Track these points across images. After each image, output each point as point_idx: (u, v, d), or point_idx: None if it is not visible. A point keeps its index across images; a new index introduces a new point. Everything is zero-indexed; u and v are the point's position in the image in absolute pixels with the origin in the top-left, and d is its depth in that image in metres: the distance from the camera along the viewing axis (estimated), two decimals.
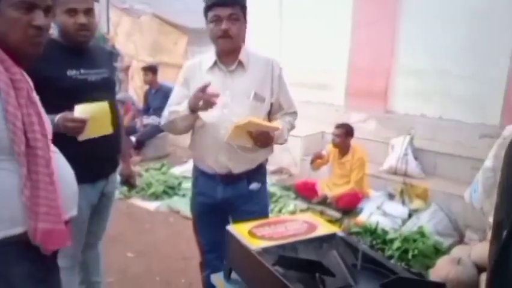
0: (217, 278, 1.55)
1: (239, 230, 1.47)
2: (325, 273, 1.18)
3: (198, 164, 2.15)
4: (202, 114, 1.96)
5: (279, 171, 5.15)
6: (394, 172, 4.41)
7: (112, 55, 2.19)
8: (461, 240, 3.38)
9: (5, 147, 1.14)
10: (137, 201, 4.40)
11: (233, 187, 2.06)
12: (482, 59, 4.45)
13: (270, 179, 4.94)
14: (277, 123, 2.02)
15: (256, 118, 1.90)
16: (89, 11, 1.82)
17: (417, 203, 3.96)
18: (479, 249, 2.72)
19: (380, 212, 3.84)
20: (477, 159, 4.06)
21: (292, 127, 2.19)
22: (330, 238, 1.46)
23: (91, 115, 1.70)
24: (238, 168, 2.04)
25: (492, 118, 4.45)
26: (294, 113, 2.19)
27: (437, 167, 4.45)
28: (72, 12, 1.77)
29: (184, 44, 7.67)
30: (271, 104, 2.08)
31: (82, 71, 1.86)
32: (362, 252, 1.31)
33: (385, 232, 3.30)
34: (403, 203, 4.02)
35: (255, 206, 2.08)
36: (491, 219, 3.17)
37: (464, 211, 3.66)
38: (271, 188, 4.48)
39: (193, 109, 1.89)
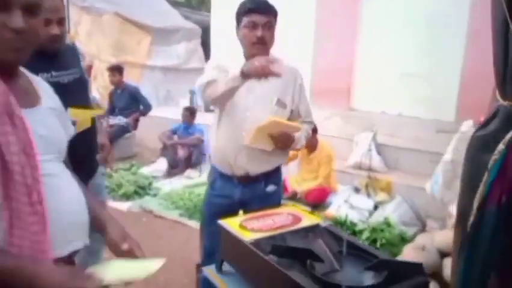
0: (209, 270, 1.64)
1: (230, 224, 1.56)
2: (315, 259, 1.30)
3: (216, 166, 2.21)
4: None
5: None
6: (359, 167, 4.62)
7: (79, 53, 2.15)
8: (423, 228, 3.61)
9: None
10: (109, 202, 4.38)
11: (250, 188, 2.13)
12: (438, 59, 4.74)
13: None
14: (298, 123, 2.10)
15: (278, 118, 1.98)
16: (62, 21, 1.83)
17: (381, 196, 4.18)
18: (441, 237, 2.93)
19: (347, 205, 4.02)
20: (435, 153, 4.34)
21: (309, 135, 2.25)
22: (315, 228, 1.58)
23: (80, 118, 1.73)
24: (256, 170, 2.11)
25: (447, 114, 4.75)
26: (311, 122, 2.27)
27: (399, 161, 4.70)
28: (46, 22, 1.73)
29: (147, 43, 7.63)
30: (291, 111, 2.15)
31: (54, 73, 1.84)
32: (346, 240, 1.44)
33: (354, 224, 3.48)
34: (368, 196, 4.23)
35: (269, 207, 2.16)
36: (451, 209, 3.42)
37: (425, 202, 3.90)
38: None
39: (246, 72, 1.83)
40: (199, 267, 2.38)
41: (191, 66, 7.86)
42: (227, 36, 6.52)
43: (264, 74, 1.80)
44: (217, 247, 2.11)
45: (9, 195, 0.97)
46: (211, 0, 6.96)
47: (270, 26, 2.00)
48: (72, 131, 1.34)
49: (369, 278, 1.26)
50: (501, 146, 0.97)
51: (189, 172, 5.39)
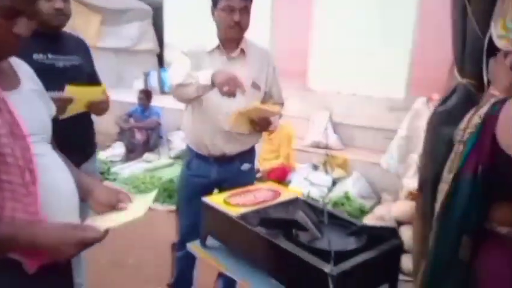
0: (193, 246, 1.69)
1: (215, 200, 1.62)
2: (300, 229, 1.39)
3: (192, 147, 2.23)
4: (202, 98, 2.02)
5: None
6: (317, 145, 4.79)
7: (88, 47, 2.13)
8: (379, 201, 3.85)
9: None
10: None
11: (226, 168, 2.18)
12: (389, 40, 4.95)
13: None
14: (278, 108, 2.15)
15: (259, 103, 2.02)
16: None
17: (338, 172, 4.38)
18: (397, 207, 3.14)
19: (307, 182, 4.18)
20: (388, 129, 4.58)
21: (280, 116, 2.30)
22: (294, 201, 1.66)
23: (78, 96, 1.72)
24: (232, 150, 2.16)
25: (398, 93, 4.99)
26: (282, 104, 2.32)
27: (354, 139, 4.92)
28: None
29: (97, 24, 7.33)
30: (264, 93, 2.20)
31: (50, 55, 1.81)
32: (326, 210, 1.54)
33: (315, 199, 3.64)
34: (326, 172, 4.41)
35: (243, 184, 2.20)
36: (404, 181, 3.64)
37: (380, 176, 4.14)
38: None
39: (215, 85, 1.88)
40: (174, 246, 2.42)
41: (143, 48, 7.65)
42: (181, 16, 6.47)
43: (233, 94, 1.87)
44: (198, 224, 2.18)
45: (2, 178, 0.98)
46: None
47: (247, 11, 2.03)
48: (53, 111, 1.34)
49: (351, 243, 1.36)
50: (476, 119, 1.08)
51: (147, 156, 5.33)
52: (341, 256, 1.22)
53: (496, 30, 1.60)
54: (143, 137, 5.44)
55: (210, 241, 1.66)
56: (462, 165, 1.09)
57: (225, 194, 1.67)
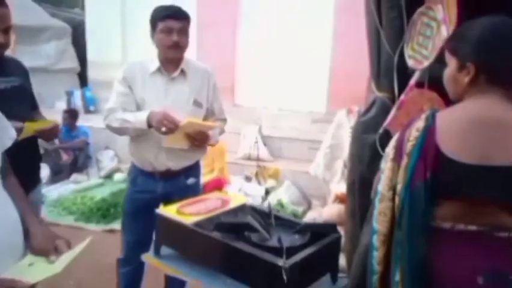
0: (147, 257, 1.76)
1: (168, 211, 1.71)
2: (252, 231, 1.54)
3: (137, 164, 2.26)
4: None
5: None
6: (248, 158, 4.99)
7: (26, 69, 2.13)
8: (309, 206, 4.11)
9: None
10: None
11: (172, 182, 2.23)
12: (309, 58, 5.32)
13: None
14: (214, 123, 2.24)
15: (193, 118, 2.09)
16: (7, 29, 1.77)
17: (270, 182, 4.60)
18: (327, 211, 3.41)
19: (242, 193, 4.34)
20: (311, 140, 4.92)
21: (222, 131, 2.41)
22: (242, 207, 1.81)
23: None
24: (177, 165, 2.22)
25: (319, 106, 5.36)
26: (225, 120, 2.43)
27: (282, 150, 5.18)
28: None
29: (11, 42, 6.98)
30: (206, 110, 2.28)
31: None
32: (273, 214, 1.71)
33: None
34: (259, 183, 4.62)
35: (190, 198, 2.28)
36: (331, 187, 3.94)
37: (308, 183, 4.43)
38: None
39: (152, 127, 2.03)
40: (118, 262, 2.44)
41: (62, 67, 7.40)
42: (103, 34, 6.38)
43: (171, 131, 2.01)
44: (143, 239, 2.24)
45: None
46: None
47: (184, 31, 2.13)
48: (12, 136, 1.35)
49: (297, 239, 1.54)
50: (415, 133, 1.23)
51: (76, 176, 5.17)
52: (291, 251, 1.39)
53: (407, 51, 1.90)
54: (69, 157, 5.27)
55: (163, 251, 1.75)
56: (411, 176, 1.21)
57: (177, 205, 1.77)
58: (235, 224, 1.57)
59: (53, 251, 1.22)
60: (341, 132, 3.59)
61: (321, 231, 1.58)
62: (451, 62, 1.28)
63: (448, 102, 1.59)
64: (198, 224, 1.60)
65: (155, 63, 2.19)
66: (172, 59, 2.17)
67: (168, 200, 2.25)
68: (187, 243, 1.63)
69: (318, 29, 5.26)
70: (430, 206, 1.20)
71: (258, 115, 5.33)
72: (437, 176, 1.17)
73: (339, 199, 3.36)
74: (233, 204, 1.82)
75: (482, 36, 1.18)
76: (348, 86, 4.91)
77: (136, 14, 6.28)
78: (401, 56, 1.94)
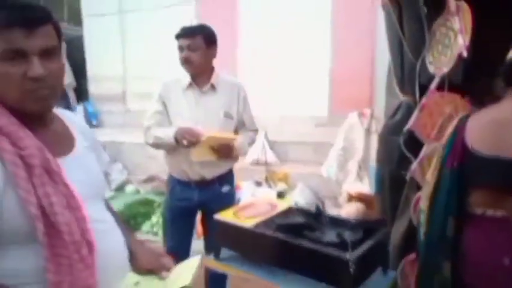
0: (208, 261, 1.88)
1: (226, 216, 1.85)
2: (310, 230, 1.69)
3: (174, 175, 2.40)
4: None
5: (150, 179, 5.34)
6: (257, 163, 5.12)
7: None
8: (323, 207, 4.25)
9: (27, 233, 0.96)
10: None
11: (207, 190, 2.37)
12: (310, 65, 5.50)
13: (145, 188, 5.13)
14: (234, 135, 2.36)
15: (213, 132, 2.22)
16: None
17: (281, 186, 4.73)
18: (346, 210, 3.55)
19: (254, 199, 4.48)
20: (316, 143, 5.09)
21: (253, 141, 2.57)
22: (290, 209, 1.96)
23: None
24: (210, 174, 2.35)
25: (322, 110, 5.54)
26: (256, 130, 2.57)
27: (289, 154, 5.34)
28: None
29: None
30: (237, 121, 2.42)
31: None
32: (322, 214, 1.86)
33: None
34: (270, 187, 4.75)
35: (226, 205, 2.40)
36: (344, 187, 4.09)
37: (318, 185, 4.58)
38: (148, 195, 4.71)
39: (178, 142, 2.20)
40: None
41: None
42: (103, 47, 6.46)
43: (192, 144, 2.17)
44: (183, 243, 2.39)
45: (57, 253, 0.96)
46: (81, 14, 6.74)
47: (193, 48, 2.27)
48: (106, 160, 1.42)
49: (352, 235, 1.68)
50: (450, 129, 1.48)
51: None
52: (352, 246, 1.54)
53: (428, 58, 2.08)
54: None
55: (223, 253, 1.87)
56: (444, 163, 1.46)
57: (232, 210, 1.91)
58: (295, 224, 1.71)
59: (162, 268, 1.25)
60: (353, 134, 3.76)
61: (373, 227, 1.74)
62: None
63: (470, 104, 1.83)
64: (257, 227, 1.74)
65: (187, 79, 2.35)
66: (190, 74, 2.33)
67: (205, 207, 2.41)
68: (249, 244, 1.76)
69: (316, 34, 5.44)
70: (459, 192, 1.41)
71: (263, 121, 5.47)
72: (464, 166, 1.39)
73: (356, 198, 3.52)
74: (281, 206, 1.97)
75: None
76: (348, 89, 5.12)
77: (135, 28, 6.40)
78: (423, 63, 2.12)
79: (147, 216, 4.34)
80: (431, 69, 2.08)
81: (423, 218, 1.52)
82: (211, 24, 2.45)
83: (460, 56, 1.88)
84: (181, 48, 2.29)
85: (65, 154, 1.09)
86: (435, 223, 1.45)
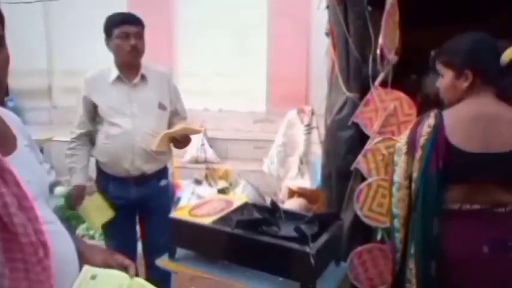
0: (163, 261, 1.82)
1: (181, 215, 1.79)
2: (268, 225, 1.69)
3: (108, 171, 2.26)
4: (116, 125, 2.17)
5: None
6: (195, 161, 5.05)
7: None
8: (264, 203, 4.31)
9: None
10: None
11: (146, 186, 2.27)
12: (248, 60, 5.53)
13: None
14: (195, 125, 2.35)
15: (185, 124, 2.19)
16: None
17: (221, 183, 4.71)
18: (289, 205, 3.62)
19: (195, 197, 4.41)
20: (255, 140, 5.14)
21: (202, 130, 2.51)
22: (245, 205, 1.95)
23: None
24: (151, 169, 2.26)
25: (260, 107, 5.59)
26: (186, 118, 2.49)
27: (228, 151, 5.33)
28: None
29: None
30: (170, 111, 2.33)
31: None
32: (278, 208, 1.87)
33: None
34: (210, 185, 4.71)
35: (163, 199, 2.33)
36: (285, 182, 4.15)
37: (258, 181, 4.62)
38: None
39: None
40: None
41: None
42: (25, 41, 5.98)
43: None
44: (130, 243, 2.34)
45: (12, 257, 0.90)
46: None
47: (140, 36, 2.19)
48: (42, 159, 1.33)
49: (308, 229, 1.70)
50: (427, 129, 1.47)
51: None
52: (312, 239, 1.56)
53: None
54: None
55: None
56: (425, 165, 1.46)
57: (187, 208, 1.85)
58: (255, 220, 1.70)
59: (120, 265, 1.21)
60: (292, 130, 3.82)
61: (328, 219, 1.78)
62: (447, 74, 1.55)
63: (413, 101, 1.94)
64: (215, 224, 1.71)
65: (114, 72, 2.21)
66: (131, 64, 2.21)
67: (143, 204, 2.33)
68: (207, 242, 1.72)
69: (254, 32, 5.49)
70: (442, 191, 1.45)
71: (200, 117, 5.41)
72: (448, 165, 1.43)
73: (297, 194, 3.59)
74: (237, 203, 1.95)
75: (474, 48, 1.46)
76: (285, 86, 5.22)
77: (61, 21, 6.03)
78: (366, 60, 2.21)
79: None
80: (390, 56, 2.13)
81: (397, 222, 1.55)
82: (144, 14, 2.35)
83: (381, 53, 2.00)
84: (126, 36, 2.13)
85: (8, 154, 1.01)
86: (422, 226, 1.47)
